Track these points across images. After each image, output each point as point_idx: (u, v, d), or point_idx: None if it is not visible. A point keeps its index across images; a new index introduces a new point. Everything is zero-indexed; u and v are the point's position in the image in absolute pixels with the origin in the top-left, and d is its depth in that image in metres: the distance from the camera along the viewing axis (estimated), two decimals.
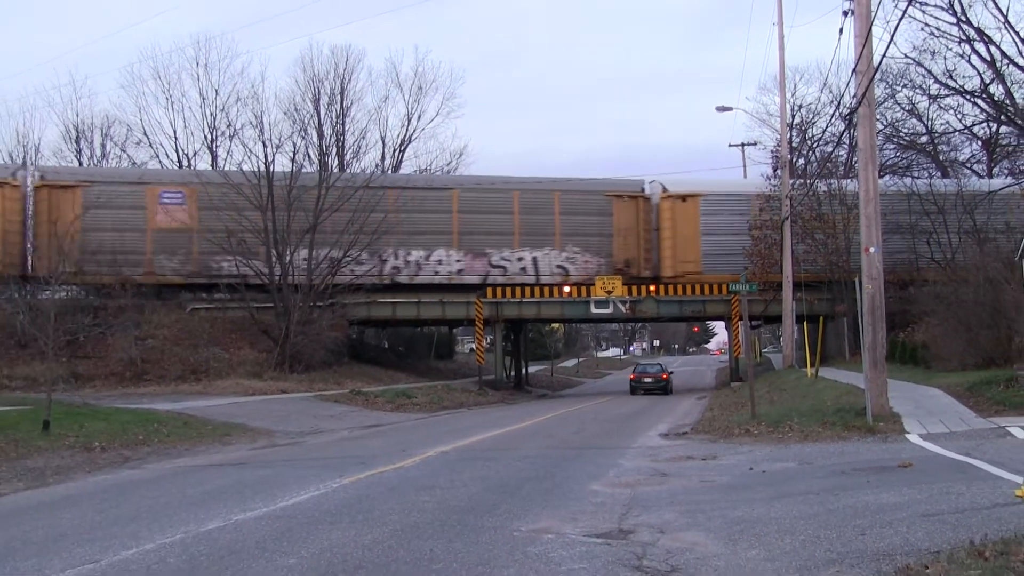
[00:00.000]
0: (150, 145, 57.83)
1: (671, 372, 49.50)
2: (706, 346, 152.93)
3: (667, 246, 42.39)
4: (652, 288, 42.44)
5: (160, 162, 55.66)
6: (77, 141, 58.60)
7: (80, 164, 54.52)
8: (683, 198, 42.63)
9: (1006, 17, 32.17)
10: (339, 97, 55.20)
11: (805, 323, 35.31)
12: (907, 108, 43.55)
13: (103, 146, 58.85)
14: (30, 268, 37.23)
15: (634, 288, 42.27)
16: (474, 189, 43.17)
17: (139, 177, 42.36)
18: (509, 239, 42.49)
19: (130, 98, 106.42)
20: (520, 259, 42.50)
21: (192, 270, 40.19)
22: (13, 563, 8.03)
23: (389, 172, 54.42)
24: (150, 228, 39.96)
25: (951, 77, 37.55)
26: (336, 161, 51.96)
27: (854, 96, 18.87)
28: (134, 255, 39.21)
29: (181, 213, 40.17)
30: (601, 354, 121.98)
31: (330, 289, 38.16)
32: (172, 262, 40.11)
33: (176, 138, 58.65)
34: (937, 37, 34.44)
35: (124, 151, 58.26)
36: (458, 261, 42.10)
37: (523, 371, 53.18)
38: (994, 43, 33.30)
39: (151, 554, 8.06)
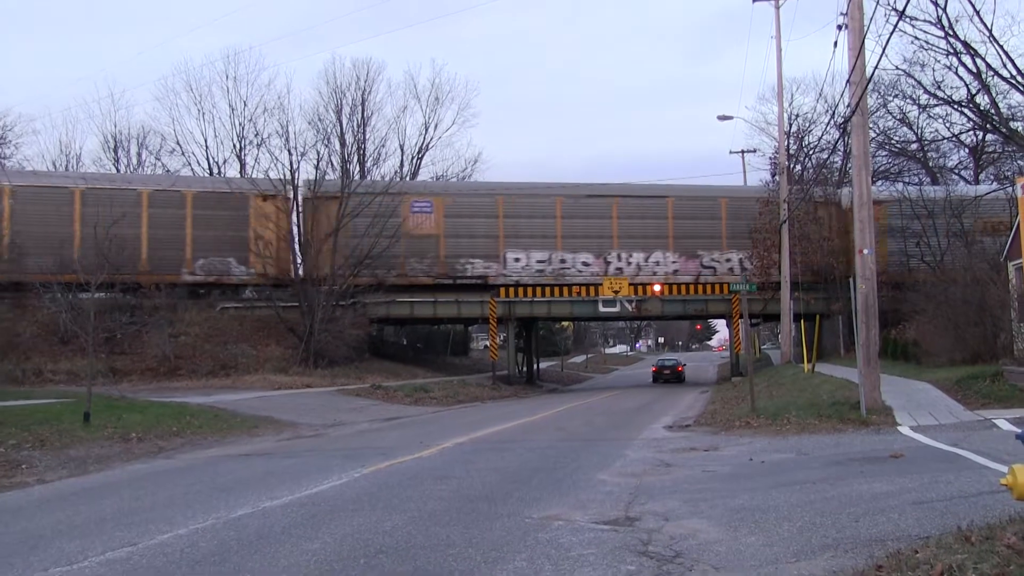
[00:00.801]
0: (182, 153, 58.19)
1: (684, 365, 59.42)
2: (708, 343, 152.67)
3: None
4: (657, 288, 42.37)
5: (192, 170, 55.94)
6: (115, 150, 59.03)
7: (117, 171, 54.75)
8: None
9: (991, 31, 32.33)
10: (360, 107, 55.42)
11: (802, 321, 35.29)
12: (898, 117, 43.68)
13: (139, 155, 59.28)
14: (299, 273, 38.46)
15: (639, 288, 42.22)
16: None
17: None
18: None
19: (164, 110, 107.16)
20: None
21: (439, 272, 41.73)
22: (59, 544, 8.08)
23: (408, 179, 54.49)
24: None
25: (939, 88, 37.82)
26: (357, 168, 52.09)
27: (848, 105, 18.86)
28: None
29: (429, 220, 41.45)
30: (609, 350, 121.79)
31: (352, 289, 38.25)
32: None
33: (207, 147, 58.91)
34: (926, 50, 34.77)
35: (159, 159, 58.66)
36: (673, 262, 42.84)
37: (535, 367, 53.17)
38: (980, 56, 33.53)
39: (184, 538, 8.10)
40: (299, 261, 37.93)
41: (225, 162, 56.38)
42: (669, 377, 55.12)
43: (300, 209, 38.57)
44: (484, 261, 41.83)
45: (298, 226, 37.87)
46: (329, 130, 51.21)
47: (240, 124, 56.29)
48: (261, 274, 39.15)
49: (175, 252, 39.28)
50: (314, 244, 38.22)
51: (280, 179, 39.04)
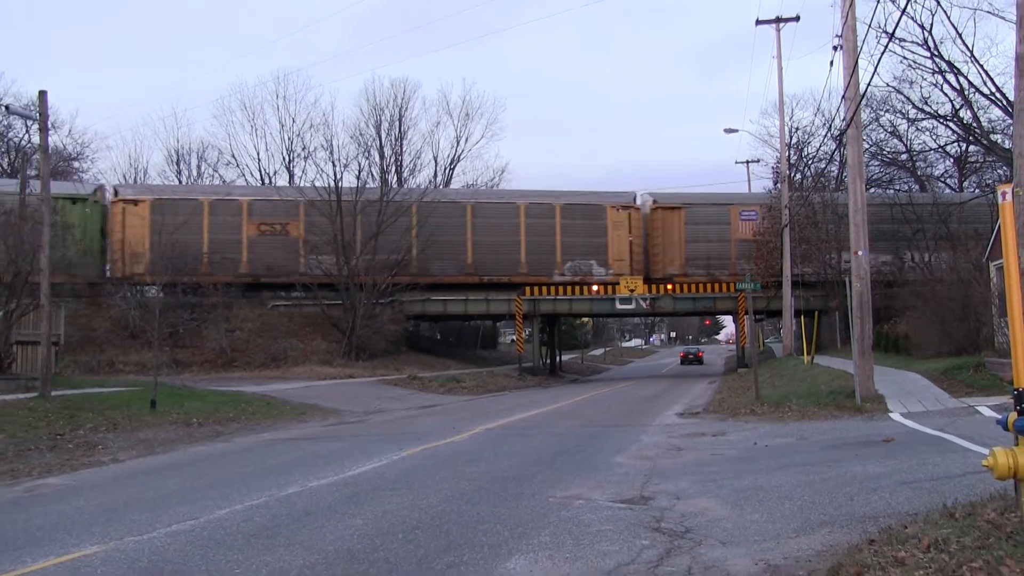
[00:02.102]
0: (237, 165, 58.65)
1: (703, 351, 73.33)
2: (716, 337, 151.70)
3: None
4: (669, 287, 42.23)
5: (246, 180, 56.34)
6: (177, 163, 59.63)
7: (180, 183, 55.25)
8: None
9: (972, 52, 32.58)
10: (398, 123, 55.63)
11: (802, 317, 35.10)
12: (889, 130, 43.64)
13: (198, 167, 59.79)
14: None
15: (653, 287, 42.10)
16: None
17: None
18: None
19: (221, 126, 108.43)
20: None
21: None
22: (131, 516, 8.22)
23: (441, 187, 54.57)
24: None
25: (926, 103, 37.95)
26: (395, 178, 52.28)
27: (844, 119, 18.76)
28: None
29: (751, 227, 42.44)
30: (625, 344, 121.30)
31: (391, 288, 38.37)
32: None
33: (259, 159, 59.34)
34: (914, 69, 35.18)
35: (216, 171, 59.14)
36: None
37: (557, 359, 53.02)
38: (962, 74, 33.70)
39: (240, 514, 8.18)
40: (343, 263, 38.03)
41: (275, 173, 56.79)
42: (692, 360, 67.06)
43: (343, 214, 38.67)
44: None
45: (342, 231, 37.99)
46: (369, 143, 51.55)
47: (289, 139, 56.72)
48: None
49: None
50: (356, 247, 38.35)
51: (325, 188, 39.24)
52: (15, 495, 10.29)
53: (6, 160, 51.67)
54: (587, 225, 42.15)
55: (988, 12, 40.82)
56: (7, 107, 24.96)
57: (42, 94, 20.17)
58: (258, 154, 66.84)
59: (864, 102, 21.99)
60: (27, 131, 47.38)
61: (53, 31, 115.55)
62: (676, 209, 42.49)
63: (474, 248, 41.39)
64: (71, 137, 54.58)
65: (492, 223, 41.54)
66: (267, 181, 55.23)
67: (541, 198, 42.82)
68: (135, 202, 39.08)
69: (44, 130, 20.34)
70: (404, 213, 38.82)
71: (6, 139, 52.12)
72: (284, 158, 56.95)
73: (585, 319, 77.31)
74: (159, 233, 35.78)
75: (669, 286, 42.12)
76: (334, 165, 46.15)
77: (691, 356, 68.97)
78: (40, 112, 20.11)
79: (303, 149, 55.26)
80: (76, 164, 53.50)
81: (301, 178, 53.33)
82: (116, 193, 40.28)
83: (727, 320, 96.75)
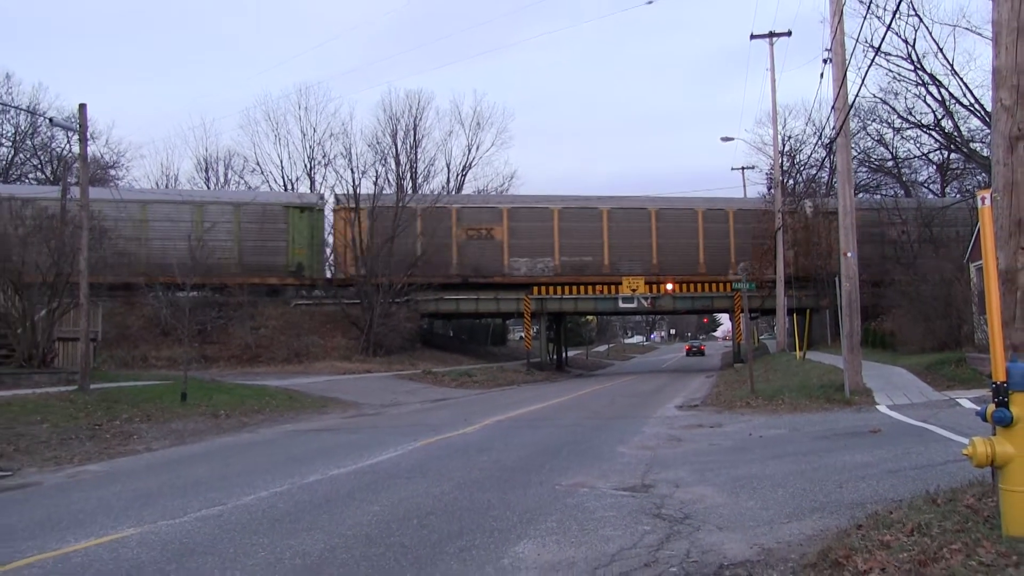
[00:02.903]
0: (261, 172, 58.91)
1: (705, 345, 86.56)
2: (714, 334, 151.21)
3: None
4: (669, 286, 42.16)
5: (269, 186, 56.46)
6: (206, 170, 59.79)
7: (208, 188, 55.40)
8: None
9: (952, 66, 32.83)
10: (412, 132, 55.53)
11: (795, 315, 35.01)
12: (876, 138, 43.71)
13: (225, 174, 59.91)
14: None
15: (654, 286, 42.06)
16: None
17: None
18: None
19: (246, 135, 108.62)
20: None
21: None
22: (164, 502, 8.28)
23: (453, 193, 54.60)
24: None
25: (911, 113, 38.06)
26: (410, 184, 52.28)
27: (833, 128, 18.77)
28: None
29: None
30: (627, 341, 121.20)
31: (405, 288, 38.43)
32: None
33: (282, 167, 59.64)
34: (899, 81, 35.31)
35: (242, 178, 59.23)
36: None
37: (563, 355, 53.04)
38: (944, 87, 33.83)
39: (265, 500, 8.23)
40: (361, 264, 38.13)
41: (297, 179, 56.78)
42: (696, 352, 78.01)
43: (360, 221, 38.74)
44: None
45: (360, 235, 38.07)
46: (386, 151, 51.49)
47: (310, 147, 56.73)
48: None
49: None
50: (373, 250, 38.42)
51: (344, 194, 39.35)
52: (59, 480, 10.39)
53: (48, 168, 51.96)
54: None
55: (967, 29, 41.09)
56: (51, 120, 25.08)
57: (82, 107, 20.29)
58: (281, 162, 67.52)
59: (852, 112, 22.00)
60: (68, 141, 47.75)
61: (93, 48, 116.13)
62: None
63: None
64: (108, 146, 55.02)
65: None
66: (289, 187, 55.30)
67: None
68: (353, 210, 40.32)
69: (84, 141, 20.45)
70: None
71: (49, 149, 52.46)
72: (306, 165, 57.02)
73: (589, 317, 77.33)
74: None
75: (669, 285, 42.07)
76: (353, 172, 46.47)
77: (695, 349, 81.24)
78: (80, 124, 20.22)
79: (324, 157, 55.57)
80: (112, 172, 53.74)
81: (322, 185, 53.48)
82: (337, 202, 41.55)
83: (724, 318, 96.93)
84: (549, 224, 42.22)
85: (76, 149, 23.98)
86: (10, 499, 9.10)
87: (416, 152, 56.34)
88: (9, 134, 52.47)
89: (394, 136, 53.11)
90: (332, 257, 42.27)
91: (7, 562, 6.07)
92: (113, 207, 32.86)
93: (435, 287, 39.88)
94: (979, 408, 5.18)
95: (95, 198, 25.31)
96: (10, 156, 53.05)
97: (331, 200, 42.27)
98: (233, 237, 38.46)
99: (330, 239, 42.18)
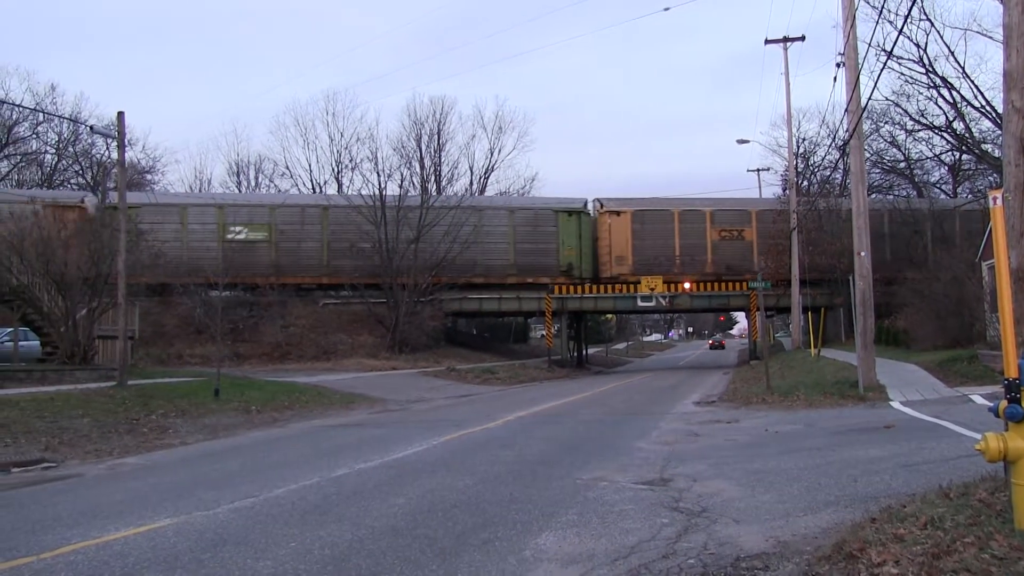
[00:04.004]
0: (291, 176, 59.16)
1: (725, 340, 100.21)
2: (730, 332, 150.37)
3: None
4: (687, 285, 41.98)
5: (298, 189, 56.79)
6: (238, 174, 60.28)
7: (239, 192, 55.80)
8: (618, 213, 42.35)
9: (964, 69, 32.56)
10: (436, 136, 55.68)
11: (809, 313, 34.77)
12: (889, 140, 43.40)
13: (256, 178, 60.37)
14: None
15: (671, 285, 41.90)
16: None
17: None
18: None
19: (276, 140, 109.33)
20: None
21: None
22: (198, 494, 8.35)
23: (476, 195, 54.62)
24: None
25: (923, 116, 37.77)
26: (434, 187, 52.41)
27: (847, 130, 18.61)
28: None
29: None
30: (646, 339, 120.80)
31: (431, 287, 38.51)
32: None
33: (311, 170, 59.82)
34: (911, 84, 35.11)
35: (272, 182, 59.66)
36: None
37: (584, 352, 52.93)
38: (955, 89, 33.48)
39: (294, 492, 8.28)
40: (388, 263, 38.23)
41: (325, 183, 57.11)
42: (717, 347, 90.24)
43: (386, 220, 38.81)
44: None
45: (386, 236, 38.19)
46: (411, 155, 51.61)
47: (338, 151, 57.00)
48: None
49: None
50: (399, 251, 38.53)
51: (371, 195, 39.47)
52: (100, 472, 10.54)
53: (89, 174, 52.60)
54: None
55: (978, 32, 40.56)
56: (91, 127, 25.45)
57: (120, 115, 20.53)
58: (309, 166, 67.73)
59: (865, 115, 21.82)
60: (107, 148, 48.29)
61: (130, 57, 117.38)
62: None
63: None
64: (144, 152, 55.57)
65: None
66: (317, 191, 55.60)
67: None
68: (617, 213, 41.53)
69: (122, 147, 20.70)
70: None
71: (90, 155, 53.12)
72: (333, 169, 57.30)
73: (609, 315, 77.17)
74: (640, 239, 38.98)
75: (687, 284, 41.92)
76: (379, 175, 46.42)
77: (716, 344, 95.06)
78: (118, 131, 20.46)
79: (350, 161, 55.61)
80: (148, 176, 54.31)
81: (348, 188, 53.69)
82: (601, 206, 42.40)
83: (740, 316, 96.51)
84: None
85: (115, 155, 24.23)
86: (55, 489, 9.24)
87: (440, 156, 56.53)
88: (53, 142, 53.21)
89: (418, 140, 53.30)
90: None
91: (54, 548, 6.18)
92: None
93: (459, 286, 39.97)
94: (991, 404, 5.13)
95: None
96: (54, 163, 53.80)
97: (593, 205, 42.87)
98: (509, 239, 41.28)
99: (599, 241, 42.59)
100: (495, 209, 42.57)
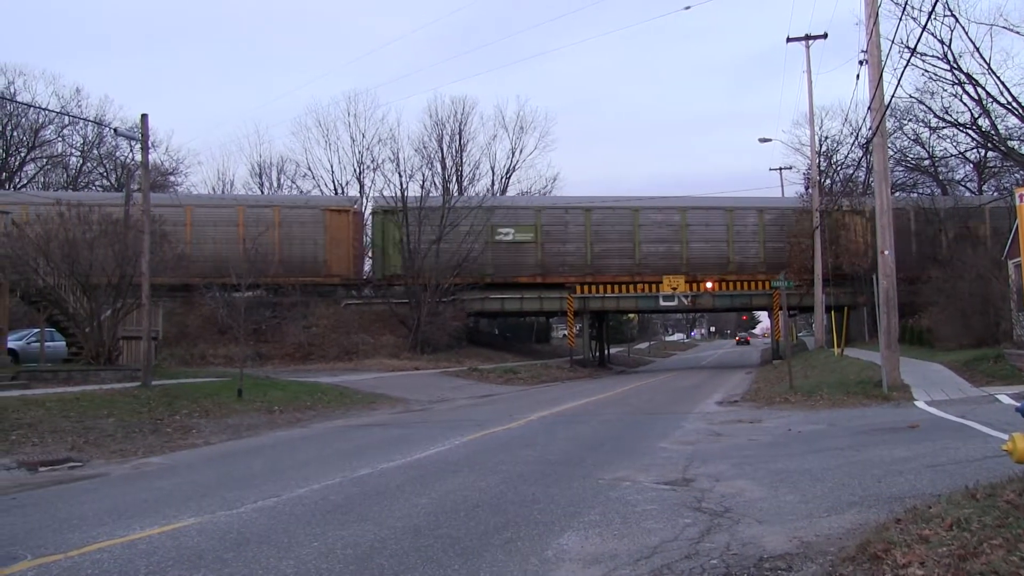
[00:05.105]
0: (312, 177, 59.28)
1: (751, 337, 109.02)
2: (753, 331, 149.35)
3: None
4: (709, 284, 41.79)
5: (320, 190, 57.04)
6: (260, 176, 60.58)
7: (262, 193, 56.18)
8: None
9: (989, 65, 31.95)
10: (458, 137, 55.59)
11: (832, 312, 34.55)
12: (912, 138, 42.89)
13: (278, 179, 60.65)
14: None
15: (693, 285, 41.72)
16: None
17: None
18: None
19: (298, 142, 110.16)
20: None
21: None
22: (222, 494, 8.43)
23: (498, 195, 54.61)
24: None
25: (947, 113, 37.25)
26: (456, 187, 52.46)
27: (870, 128, 18.45)
28: None
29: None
30: (668, 338, 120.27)
31: (452, 287, 38.57)
32: None
33: (332, 171, 60.13)
34: (935, 81, 34.52)
35: (294, 183, 59.88)
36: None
37: (606, 352, 52.77)
38: (980, 85, 33.00)
39: (317, 492, 8.33)
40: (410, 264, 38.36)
41: (347, 183, 57.24)
42: (743, 343, 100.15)
43: (408, 221, 38.94)
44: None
45: (407, 236, 38.30)
46: (432, 156, 51.65)
47: (359, 152, 57.03)
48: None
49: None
50: (420, 251, 38.63)
51: (392, 196, 39.61)
52: (125, 472, 10.67)
53: (113, 176, 53.22)
54: None
55: (1004, 27, 39.66)
56: (115, 130, 25.80)
57: (144, 117, 20.73)
58: (331, 167, 67.97)
59: (888, 112, 21.58)
60: (131, 150, 48.91)
61: (153, 59, 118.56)
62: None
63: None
64: (167, 154, 56.09)
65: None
66: (339, 191, 55.82)
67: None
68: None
69: (145, 149, 20.90)
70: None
71: (114, 157, 53.78)
72: (355, 170, 57.38)
73: (631, 315, 76.94)
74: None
75: (709, 283, 41.72)
76: (400, 176, 46.24)
77: (742, 340, 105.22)
78: (142, 133, 20.66)
79: (372, 161, 55.48)
80: (172, 178, 54.83)
81: (370, 188, 53.90)
82: None
83: (763, 315, 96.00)
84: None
85: (139, 157, 24.51)
86: (81, 488, 9.36)
87: (461, 156, 56.46)
88: (78, 144, 53.93)
89: (440, 141, 53.33)
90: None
91: (81, 546, 6.26)
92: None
93: (480, 286, 40.01)
94: (1018, 404, 5.09)
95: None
96: (79, 165, 54.54)
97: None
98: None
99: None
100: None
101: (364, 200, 48.45)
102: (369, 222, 43.34)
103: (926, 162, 44.75)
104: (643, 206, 42.30)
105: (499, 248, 41.13)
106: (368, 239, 43.43)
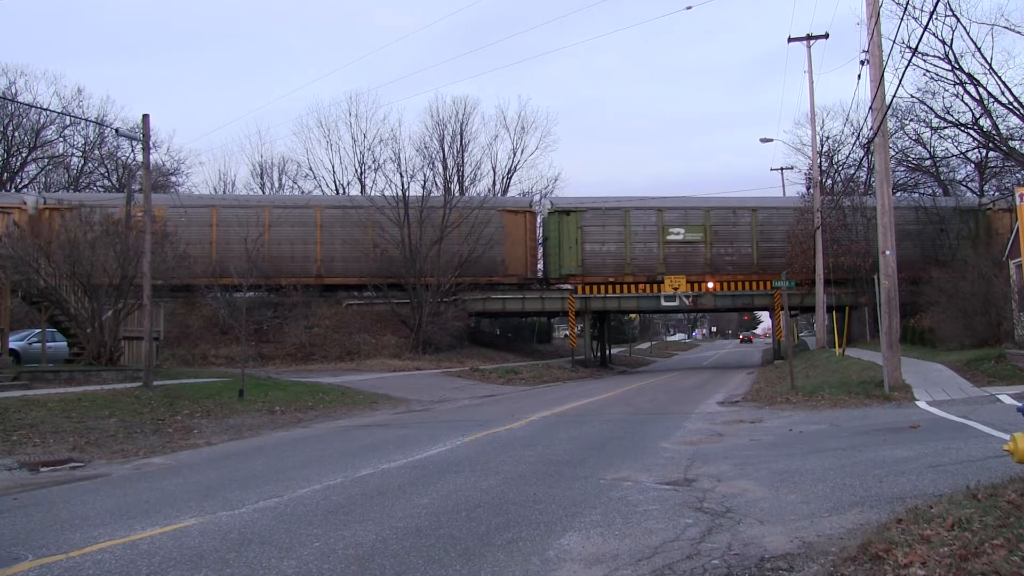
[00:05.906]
0: (314, 177, 59.33)
1: (755, 336, 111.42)
2: (754, 331, 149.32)
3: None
4: (710, 285, 41.77)
5: (322, 190, 57.04)
6: (261, 176, 60.60)
7: (263, 193, 56.18)
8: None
9: (990, 65, 32.06)
10: (459, 137, 55.63)
11: (834, 312, 34.53)
12: (914, 138, 42.94)
13: (279, 180, 60.67)
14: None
15: (695, 285, 41.71)
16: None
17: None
18: None
19: (299, 142, 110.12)
20: None
21: None
22: (223, 494, 8.44)
23: (499, 195, 54.60)
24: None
25: (948, 113, 37.32)
26: (457, 187, 52.47)
27: (871, 128, 18.46)
28: None
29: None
30: (669, 338, 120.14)
31: (454, 287, 38.56)
32: None
33: (334, 171, 60.27)
34: (936, 81, 34.63)
35: (295, 183, 59.89)
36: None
37: (607, 352, 52.70)
38: (981, 85, 33.06)
39: (319, 492, 8.34)
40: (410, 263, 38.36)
41: (348, 184, 57.17)
42: (746, 341, 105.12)
43: (409, 221, 38.94)
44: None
45: (409, 236, 38.32)
46: (433, 156, 51.71)
47: (361, 152, 57.18)
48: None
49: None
50: (421, 251, 38.62)
51: (393, 196, 39.61)
52: (126, 472, 10.67)
53: (115, 176, 53.25)
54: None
55: (1005, 27, 39.72)
56: (117, 130, 25.77)
57: (145, 117, 20.75)
58: (333, 167, 68.16)
59: (890, 112, 21.59)
60: (132, 150, 48.99)
61: (154, 60, 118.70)
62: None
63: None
64: (169, 154, 56.15)
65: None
66: (341, 192, 55.81)
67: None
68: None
69: (147, 149, 20.91)
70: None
71: (115, 158, 53.81)
72: (356, 170, 57.44)
73: (632, 315, 76.87)
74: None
75: (710, 283, 41.71)
76: (402, 176, 46.32)
77: (746, 338, 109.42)
78: (143, 134, 20.67)
79: (373, 162, 55.87)
80: (173, 178, 54.87)
81: (372, 189, 53.90)
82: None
83: (764, 315, 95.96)
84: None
85: (140, 158, 24.52)
86: (83, 488, 9.37)
87: (463, 156, 56.49)
88: (79, 145, 53.96)
89: (441, 141, 53.38)
90: None
91: (83, 547, 6.28)
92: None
93: (482, 286, 39.99)
94: (1020, 404, 5.09)
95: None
96: (80, 166, 54.56)
97: None
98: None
99: None
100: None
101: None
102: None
103: (927, 162, 44.80)
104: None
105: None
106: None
